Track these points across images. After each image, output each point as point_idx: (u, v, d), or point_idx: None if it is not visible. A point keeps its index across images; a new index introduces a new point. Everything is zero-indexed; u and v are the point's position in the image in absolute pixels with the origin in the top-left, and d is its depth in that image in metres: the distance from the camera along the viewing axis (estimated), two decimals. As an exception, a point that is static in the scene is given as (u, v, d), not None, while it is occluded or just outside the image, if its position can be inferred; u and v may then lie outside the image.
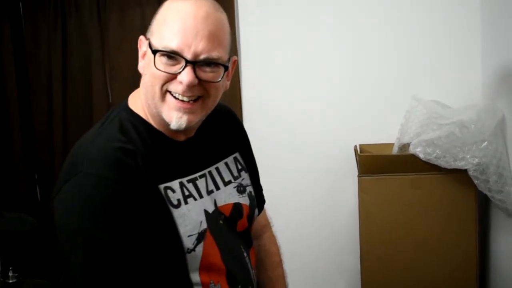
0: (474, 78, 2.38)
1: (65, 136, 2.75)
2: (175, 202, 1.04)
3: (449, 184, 2.10)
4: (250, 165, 1.29)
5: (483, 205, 2.20)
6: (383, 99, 2.49)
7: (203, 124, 1.13)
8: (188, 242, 1.03)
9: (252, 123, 2.44)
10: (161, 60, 0.99)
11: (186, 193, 1.06)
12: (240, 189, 1.21)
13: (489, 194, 1.93)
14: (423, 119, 2.14)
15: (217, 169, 1.18)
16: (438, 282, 2.16)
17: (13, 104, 2.73)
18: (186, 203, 1.05)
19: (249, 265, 1.20)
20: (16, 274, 2.01)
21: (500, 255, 2.08)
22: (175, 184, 1.06)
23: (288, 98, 2.54)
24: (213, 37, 0.99)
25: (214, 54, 1.00)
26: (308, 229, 2.57)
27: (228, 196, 1.17)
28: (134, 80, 2.94)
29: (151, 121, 1.08)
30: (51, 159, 2.76)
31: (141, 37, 1.06)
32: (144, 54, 1.05)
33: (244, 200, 1.21)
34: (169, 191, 1.04)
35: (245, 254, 1.19)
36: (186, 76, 0.98)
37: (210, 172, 1.15)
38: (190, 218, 1.05)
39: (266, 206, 2.54)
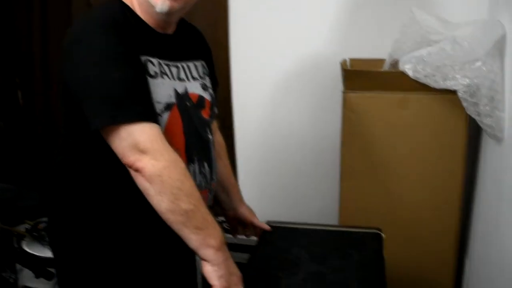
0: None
1: (45, 34, 2.64)
2: (153, 73, 1.23)
3: (438, 106, 1.95)
4: (213, 79, 1.50)
5: (474, 130, 2.07)
6: (381, 10, 2.29)
7: (180, 28, 1.40)
8: (157, 107, 1.21)
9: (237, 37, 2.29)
10: None
11: (162, 70, 1.26)
12: (204, 87, 1.42)
13: (477, 119, 1.79)
14: (419, 35, 1.96)
15: (187, 65, 1.38)
16: (420, 204, 2.08)
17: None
18: (161, 77, 1.25)
19: (210, 145, 1.42)
20: (-25, 178, 1.98)
21: (486, 181, 1.98)
22: (154, 60, 1.26)
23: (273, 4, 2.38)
24: None
25: None
26: (288, 145, 2.48)
27: (194, 88, 1.37)
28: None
29: (137, 11, 1.28)
30: (32, 62, 2.67)
31: None
32: None
33: (207, 95, 1.42)
34: (149, 63, 1.24)
35: (209, 136, 1.41)
36: None
37: (182, 65, 1.35)
38: (162, 89, 1.24)
39: (243, 119, 2.42)
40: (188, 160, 1.32)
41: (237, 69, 2.49)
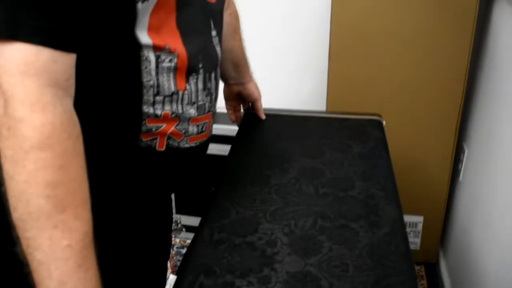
0: None
1: None
2: None
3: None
4: None
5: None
6: None
7: None
8: None
9: None
10: None
11: None
12: None
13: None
14: None
15: None
16: (420, 85, 1.84)
17: None
18: None
19: (217, 45, 0.99)
20: None
21: (497, 57, 1.73)
22: None
23: None
24: None
25: None
26: (273, 26, 2.16)
27: None
28: None
29: None
30: None
31: None
32: None
33: None
34: None
35: (213, 33, 0.98)
36: None
37: None
38: None
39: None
40: (190, 69, 0.90)
41: None
